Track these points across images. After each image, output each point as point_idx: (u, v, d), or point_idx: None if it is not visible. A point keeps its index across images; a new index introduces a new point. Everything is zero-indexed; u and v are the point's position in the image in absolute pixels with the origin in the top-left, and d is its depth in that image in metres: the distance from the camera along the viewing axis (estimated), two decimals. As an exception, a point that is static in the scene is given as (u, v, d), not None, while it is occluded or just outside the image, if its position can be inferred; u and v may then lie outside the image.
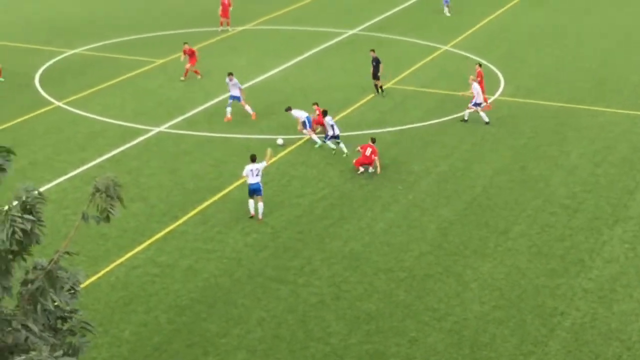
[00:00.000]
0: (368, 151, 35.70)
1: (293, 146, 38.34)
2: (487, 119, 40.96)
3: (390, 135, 39.70)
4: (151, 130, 39.99)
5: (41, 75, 47.12)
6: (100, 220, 12.44)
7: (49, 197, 12.79)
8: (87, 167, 36.40)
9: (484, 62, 47.24)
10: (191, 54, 46.25)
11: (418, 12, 61.04)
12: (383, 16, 59.67)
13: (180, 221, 31.87)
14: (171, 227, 31.42)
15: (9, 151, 14.08)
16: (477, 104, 40.88)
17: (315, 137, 38.51)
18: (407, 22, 58.18)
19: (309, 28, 56.59)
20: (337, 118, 40.98)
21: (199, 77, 46.52)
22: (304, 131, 38.91)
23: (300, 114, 39.13)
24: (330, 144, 37.80)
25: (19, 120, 41.07)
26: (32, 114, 41.76)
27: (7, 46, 51.96)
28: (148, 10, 60.50)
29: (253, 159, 32.51)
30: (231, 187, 33.90)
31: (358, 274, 28.35)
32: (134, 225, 31.37)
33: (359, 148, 36.00)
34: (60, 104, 43.04)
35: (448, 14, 60.15)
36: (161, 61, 49.17)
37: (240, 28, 56.33)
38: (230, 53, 51.32)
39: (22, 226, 12.17)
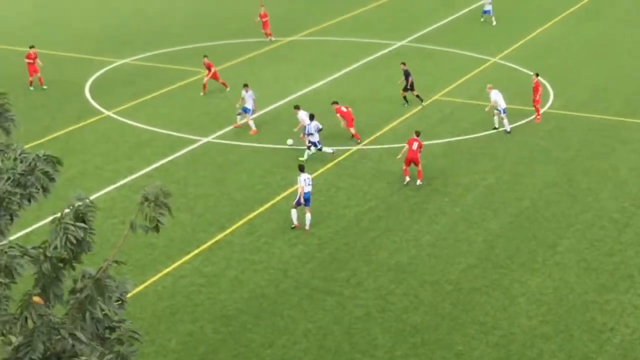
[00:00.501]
0: (415, 145, 35.55)
1: (340, 157, 38.31)
2: (509, 128, 40.95)
3: (438, 147, 39.55)
4: (199, 140, 40.15)
5: (91, 85, 47.51)
6: (149, 230, 12.46)
7: (97, 206, 12.81)
8: (135, 176, 36.62)
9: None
10: (208, 68, 45.81)
11: (467, 23, 60.81)
12: (432, 28, 59.52)
13: (227, 231, 31.95)
14: (218, 238, 31.50)
15: (57, 161, 14.20)
16: (502, 111, 40.94)
17: (307, 140, 38.18)
18: (456, 34, 57.98)
19: (358, 39, 56.57)
20: (384, 130, 40.95)
21: (228, 89, 46.18)
22: (301, 135, 38.91)
23: (304, 118, 39.14)
24: (326, 149, 37.81)
25: (69, 129, 41.43)
26: (82, 124, 42.11)
27: (59, 56, 52.45)
28: (196, 21, 60.82)
29: (302, 169, 32.64)
30: (278, 198, 33.93)
31: (404, 286, 28.24)
32: (180, 234, 31.49)
33: (405, 146, 35.88)
34: (109, 113, 43.35)
35: (494, 23, 60.32)
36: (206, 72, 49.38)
37: (288, 39, 56.45)
38: (278, 63, 51.43)
39: (75, 234, 12.23)
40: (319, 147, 37.92)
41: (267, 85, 47.37)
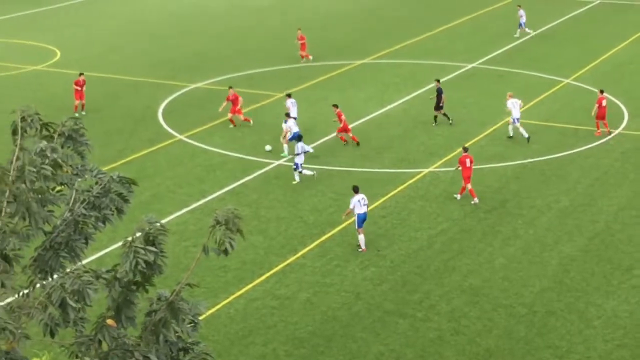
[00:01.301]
0: (468, 162, 35.76)
1: (412, 180, 38.21)
2: (526, 134, 41.83)
3: (510, 169, 39.26)
4: (271, 163, 40.31)
5: (164, 109, 48.00)
6: (220, 253, 12.52)
7: (170, 228, 12.92)
8: (207, 199, 36.87)
9: (608, 95, 46.41)
10: (234, 100, 44.96)
11: (539, 45, 60.35)
12: (503, 49, 59.17)
13: (299, 254, 32.00)
14: (290, 260, 31.57)
15: (132, 183, 14.35)
16: (514, 120, 41.95)
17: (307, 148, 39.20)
18: (528, 55, 57.57)
19: (429, 62, 56.45)
20: (456, 152, 40.74)
21: (251, 123, 45.19)
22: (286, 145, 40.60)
23: (292, 127, 40.54)
24: (307, 172, 38.05)
25: (143, 153, 41.88)
26: (155, 147, 42.54)
27: (133, 81, 53.10)
28: (269, 45, 61.21)
29: (356, 190, 32.67)
30: (350, 221, 33.90)
31: (477, 310, 28.00)
32: (253, 257, 31.60)
33: (457, 166, 36.11)
34: (182, 137, 43.74)
35: (528, 31, 61.71)
36: (281, 95, 49.58)
37: (359, 62, 56.51)
38: (350, 87, 51.50)
39: (145, 257, 12.32)
40: (299, 169, 38.10)
41: (341, 109, 47.40)
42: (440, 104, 44.57)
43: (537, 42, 61.12)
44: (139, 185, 14.23)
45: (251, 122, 45.09)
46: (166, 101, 49.20)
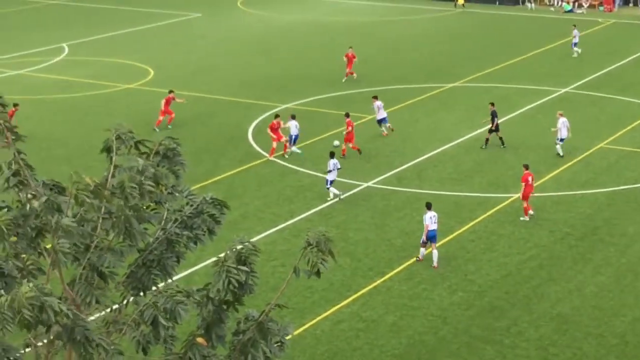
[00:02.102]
0: (530, 179, 36.18)
1: (501, 204, 37.86)
2: (561, 153, 42.93)
3: (602, 196, 38.69)
4: (360, 185, 40.29)
5: (254, 129, 48.32)
6: (311, 275, 12.54)
7: (259, 248, 12.96)
8: (295, 220, 36.97)
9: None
10: (276, 129, 44.30)
11: (634, 71, 59.47)
12: (596, 75, 58.42)
13: (386, 277, 31.89)
14: (377, 283, 31.48)
15: (224, 205, 14.47)
16: (558, 139, 42.75)
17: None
18: (622, 80, 56.77)
19: (521, 86, 55.98)
20: (546, 178, 40.37)
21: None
22: (288, 147, 43.21)
23: (292, 128, 43.41)
24: (334, 190, 38.86)
25: (232, 172, 42.19)
26: (244, 167, 42.82)
27: (224, 100, 53.55)
28: (357, 67, 61.31)
29: (429, 207, 32.89)
30: (438, 245, 33.65)
31: (567, 338, 27.58)
32: (340, 279, 31.57)
33: (522, 184, 36.59)
34: (270, 157, 43.92)
35: (576, 49, 63.11)
36: (370, 117, 49.60)
37: (450, 85, 56.27)
38: (440, 109, 51.31)
39: (237, 277, 12.40)
40: (328, 185, 38.82)
41: (428, 131, 47.31)
42: (494, 127, 44.27)
43: (633, 68, 60.24)
44: (230, 208, 14.33)
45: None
46: (256, 121, 49.53)
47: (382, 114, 46.81)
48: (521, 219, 36.27)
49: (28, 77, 59.50)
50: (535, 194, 38.41)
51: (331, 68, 60.65)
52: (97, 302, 12.66)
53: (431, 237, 32.64)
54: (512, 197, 38.55)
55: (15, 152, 12.33)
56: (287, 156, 43.54)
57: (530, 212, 36.23)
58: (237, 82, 57.62)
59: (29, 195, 12.00)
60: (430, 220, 32.59)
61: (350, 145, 43.76)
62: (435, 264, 32.34)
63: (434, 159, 43.05)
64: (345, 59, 58.23)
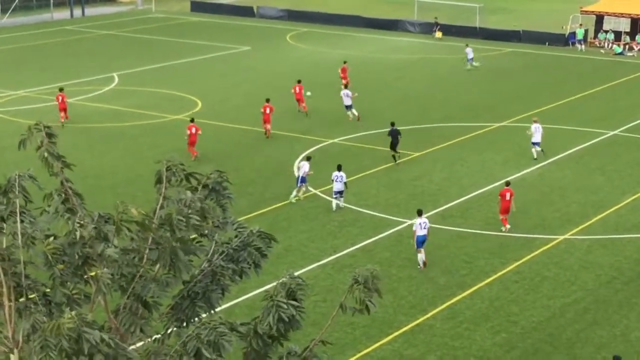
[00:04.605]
0: (508, 195, 38.56)
1: (546, 246, 37.58)
2: (535, 156, 46.94)
3: (649, 240, 38.30)
4: (404, 222, 40.10)
5: (299, 163, 48.32)
6: (357, 312, 12.51)
7: (308, 284, 12.94)
8: (338, 255, 36.91)
9: None
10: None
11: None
12: (646, 118, 58.01)
13: (429, 315, 31.71)
14: (419, 321, 31.30)
15: (271, 238, 14.48)
16: (533, 143, 46.49)
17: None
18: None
19: (566, 127, 55.66)
20: (593, 220, 40.06)
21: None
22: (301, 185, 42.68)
23: (305, 168, 42.76)
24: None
25: (277, 205, 42.24)
26: (289, 200, 42.79)
27: (273, 134, 53.61)
28: (404, 104, 61.33)
29: (420, 214, 35.82)
30: (481, 284, 33.50)
31: (611, 384, 27.22)
32: (382, 315, 31.41)
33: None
34: (316, 191, 43.94)
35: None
36: (417, 154, 49.55)
37: (497, 124, 56.06)
38: (487, 149, 51.10)
39: (287, 312, 12.39)
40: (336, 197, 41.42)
41: (474, 170, 47.12)
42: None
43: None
44: (278, 241, 14.33)
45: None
46: (302, 155, 49.58)
47: (348, 101, 55.98)
48: (502, 228, 38.89)
49: (78, 105, 60.07)
50: (580, 237, 38.12)
51: (378, 104, 60.71)
52: (141, 331, 12.69)
53: (420, 242, 35.26)
54: (557, 238, 38.26)
55: (64, 180, 12.43)
56: (294, 200, 42.75)
57: (508, 226, 38.97)
58: (283, 115, 57.75)
59: (77, 224, 12.08)
60: (420, 226, 35.30)
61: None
62: (421, 265, 35.15)
63: (479, 198, 42.85)
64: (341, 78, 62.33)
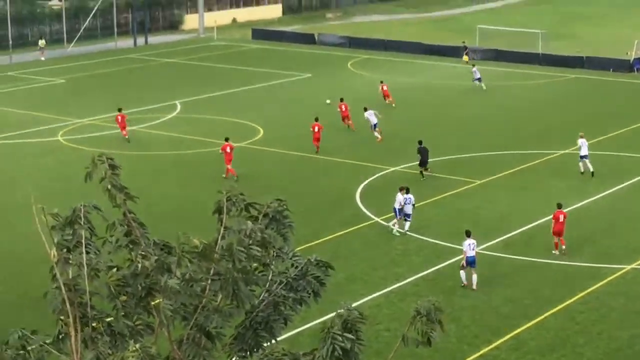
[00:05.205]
0: (561, 217, 39.01)
1: (613, 276, 37.01)
2: (582, 170, 48.43)
3: None
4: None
5: (361, 191, 48.27)
6: (420, 344, 12.32)
7: (363, 312, 12.79)
8: (401, 283, 36.69)
9: None
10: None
11: None
12: None
13: (493, 345, 31.34)
14: (483, 351, 30.94)
15: (328, 266, 14.35)
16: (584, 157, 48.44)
17: (397, 227, 41.86)
18: None
19: (633, 154, 54.93)
20: (661, 249, 39.43)
21: None
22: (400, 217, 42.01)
23: (399, 199, 41.80)
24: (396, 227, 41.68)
25: (339, 233, 42.14)
26: (351, 229, 42.72)
27: (331, 161, 53.68)
28: (464, 131, 60.98)
29: (468, 234, 36.18)
30: (546, 314, 33.05)
31: (680, 417, 26.62)
32: (445, 345, 31.08)
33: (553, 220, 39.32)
34: (378, 219, 43.81)
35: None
36: (480, 182, 49.21)
37: (561, 151, 55.48)
38: (551, 176, 50.59)
39: (342, 345, 12.21)
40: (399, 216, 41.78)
41: (538, 198, 46.63)
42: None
43: None
44: (335, 269, 14.24)
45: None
46: (364, 183, 49.52)
47: (374, 120, 57.63)
48: (553, 252, 38.70)
49: (141, 133, 60.66)
50: (648, 266, 37.58)
51: (439, 131, 60.45)
52: (205, 363, 12.60)
53: (470, 262, 35.67)
54: (624, 268, 37.68)
55: (127, 211, 12.42)
56: (396, 233, 42.20)
57: (563, 246, 39.05)
58: (345, 142, 57.78)
59: (140, 255, 12.06)
60: (469, 247, 35.78)
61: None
62: (474, 286, 35.34)
63: (543, 227, 42.31)
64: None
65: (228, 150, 49.99)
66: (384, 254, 39.80)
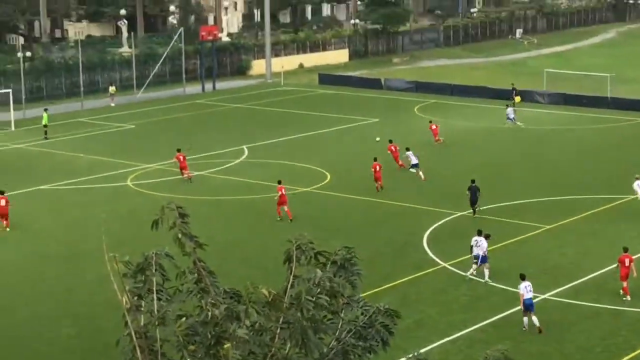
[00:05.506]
0: (626, 261, 38.57)
1: (686, 323, 36.34)
2: None
3: None
4: (535, 297, 39.28)
5: (429, 236, 48.08)
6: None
7: (432, 358, 12.76)
8: (469, 330, 36.38)
9: None
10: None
11: None
12: None
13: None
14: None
15: (396, 315, 14.30)
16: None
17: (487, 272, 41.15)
18: None
19: None
20: None
21: None
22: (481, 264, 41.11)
23: (484, 245, 41.23)
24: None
25: (407, 279, 41.98)
26: (418, 274, 42.54)
27: (399, 206, 53.58)
28: (534, 175, 60.55)
29: (522, 277, 36.24)
30: (618, 362, 32.49)
31: None
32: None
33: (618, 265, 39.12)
34: (446, 265, 43.57)
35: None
36: (549, 226, 48.75)
37: (632, 196, 54.72)
38: (622, 221, 49.95)
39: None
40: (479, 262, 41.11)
41: (608, 244, 46.01)
42: None
43: None
44: (402, 317, 14.20)
45: None
46: (431, 228, 49.32)
47: (414, 160, 59.25)
48: (624, 299, 38.07)
49: (210, 178, 61.16)
50: None
51: (507, 175, 60.10)
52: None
53: (529, 306, 35.47)
54: None
55: (197, 259, 12.52)
56: (469, 277, 41.77)
57: (628, 297, 38.48)
58: (411, 188, 57.65)
59: (210, 304, 12.13)
60: (525, 289, 35.63)
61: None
62: (538, 325, 35.19)
63: (614, 272, 41.70)
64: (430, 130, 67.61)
65: (283, 191, 51.22)
66: (452, 299, 39.53)
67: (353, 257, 14.12)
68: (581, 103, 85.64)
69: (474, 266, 41.38)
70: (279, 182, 52.02)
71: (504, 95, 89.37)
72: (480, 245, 41.36)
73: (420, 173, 58.89)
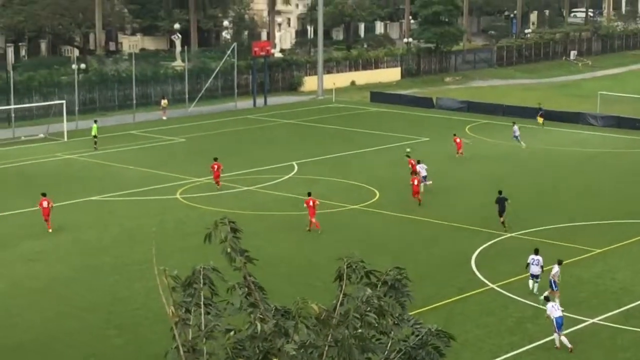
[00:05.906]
0: None
1: None
2: None
3: None
4: (584, 320, 38.96)
5: (477, 257, 47.77)
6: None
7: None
8: (516, 352, 36.06)
9: None
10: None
11: None
12: None
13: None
14: None
15: (450, 337, 14.18)
16: None
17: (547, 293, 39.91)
18: None
19: None
20: None
21: None
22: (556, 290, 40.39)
23: (555, 271, 40.63)
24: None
25: (453, 299, 41.71)
26: (465, 295, 42.25)
27: (448, 226, 53.37)
28: (585, 198, 60.01)
29: (547, 299, 37.17)
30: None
31: None
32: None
33: None
34: (493, 286, 43.24)
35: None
36: (599, 250, 48.24)
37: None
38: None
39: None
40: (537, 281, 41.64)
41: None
42: None
43: None
44: (457, 340, 14.07)
45: None
46: (480, 248, 49.01)
47: (424, 173, 60.42)
48: None
49: (259, 193, 61.26)
50: None
51: (559, 198, 59.62)
52: None
53: (560, 325, 35.67)
54: None
55: (247, 274, 12.53)
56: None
57: None
58: (461, 207, 57.39)
59: (259, 318, 12.14)
60: (553, 308, 35.95)
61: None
62: (569, 345, 35.55)
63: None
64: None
65: (311, 204, 51.94)
66: (499, 321, 39.20)
67: (404, 278, 14.08)
68: (635, 126, 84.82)
69: (531, 282, 41.97)
70: (309, 194, 53.15)
71: (557, 117, 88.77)
72: (538, 264, 41.75)
73: (428, 183, 60.58)
